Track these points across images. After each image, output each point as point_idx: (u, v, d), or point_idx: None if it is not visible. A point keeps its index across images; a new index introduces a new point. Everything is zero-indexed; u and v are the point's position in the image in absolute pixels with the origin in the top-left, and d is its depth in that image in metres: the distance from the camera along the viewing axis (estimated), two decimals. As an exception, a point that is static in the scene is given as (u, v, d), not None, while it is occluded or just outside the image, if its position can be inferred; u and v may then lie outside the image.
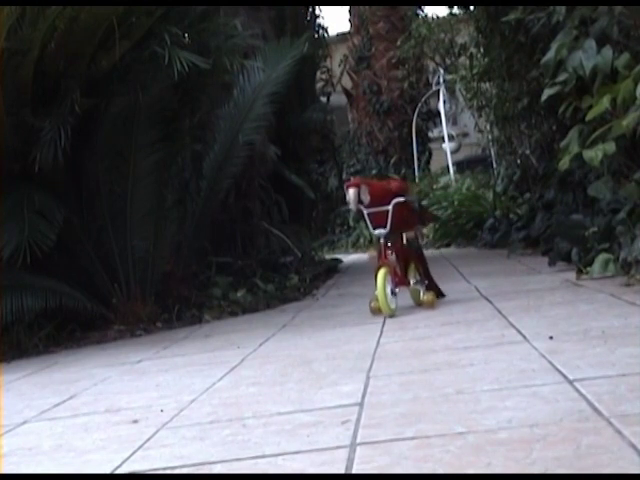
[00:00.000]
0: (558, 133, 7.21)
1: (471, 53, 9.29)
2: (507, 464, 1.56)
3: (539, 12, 5.47)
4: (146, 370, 3.67)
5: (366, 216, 4.38)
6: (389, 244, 4.35)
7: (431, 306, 4.37)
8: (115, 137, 5.60)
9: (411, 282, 4.50)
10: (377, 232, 4.35)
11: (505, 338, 3.05)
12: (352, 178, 4.68)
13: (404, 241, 4.51)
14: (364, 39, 18.28)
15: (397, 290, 4.30)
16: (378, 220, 4.35)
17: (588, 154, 4.57)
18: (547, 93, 5.09)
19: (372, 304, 4.31)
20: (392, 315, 4.18)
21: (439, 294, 4.67)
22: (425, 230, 4.65)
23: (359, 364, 2.93)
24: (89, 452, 2.20)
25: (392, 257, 4.37)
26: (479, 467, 1.57)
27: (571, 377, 2.22)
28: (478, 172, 13.28)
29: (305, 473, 1.71)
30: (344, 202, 4.51)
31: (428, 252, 11.09)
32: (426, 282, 4.58)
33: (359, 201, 4.29)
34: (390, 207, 4.31)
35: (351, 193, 4.29)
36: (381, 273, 4.18)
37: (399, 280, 4.35)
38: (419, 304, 4.48)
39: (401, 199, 4.34)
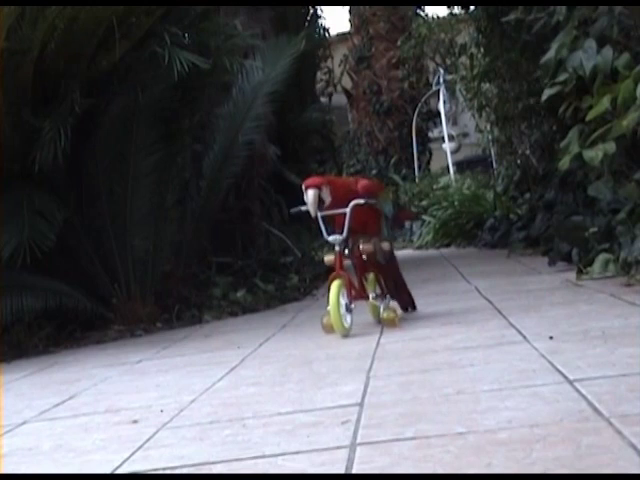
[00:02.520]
0: (558, 133, 7.21)
1: (471, 53, 9.29)
2: (507, 464, 1.56)
3: (539, 12, 5.47)
4: (146, 370, 3.67)
5: (320, 219, 3.77)
6: (346, 252, 3.81)
7: (392, 324, 3.80)
8: (115, 137, 5.60)
9: (370, 296, 3.95)
10: (332, 238, 3.77)
11: (505, 338, 3.05)
12: (312, 177, 3.93)
13: (363, 255, 3.89)
14: (364, 39, 18.28)
15: (353, 306, 3.75)
16: (336, 224, 3.84)
17: (588, 154, 4.57)
18: (547, 93, 5.09)
19: (324, 320, 3.77)
20: (346, 334, 3.68)
21: (408, 306, 4.24)
22: (386, 245, 3.99)
23: (359, 364, 2.92)
24: (89, 452, 2.20)
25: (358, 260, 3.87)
26: (479, 467, 1.57)
27: (571, 377, 2.22)
28: (478, 172, 13.28)
29: (305, 473, 1.71)
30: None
31: (428, 252, 11.15)
32: (388, 296, 4.03)
33: (319, 203, 3.70)
34: (348, 209, 3.74)
35: (310, 195, 3.68)
36: (334, 286, 3.67)
37: (356, 294, 3.83)
38: (379, 321, 3.94)
39: (361, 201, 3.76)
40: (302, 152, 10.13)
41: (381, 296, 4.00)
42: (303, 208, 3.80)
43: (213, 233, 6.80)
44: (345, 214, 3.74)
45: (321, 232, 3.80)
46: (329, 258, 3.80)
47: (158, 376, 3.42)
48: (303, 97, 10.49)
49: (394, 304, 4.07)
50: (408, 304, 4.26)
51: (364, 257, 3.90)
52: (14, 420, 2.81)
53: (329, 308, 3.64)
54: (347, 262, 3.89)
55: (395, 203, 4.31)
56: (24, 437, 2.53)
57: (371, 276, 4.03)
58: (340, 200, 3.75)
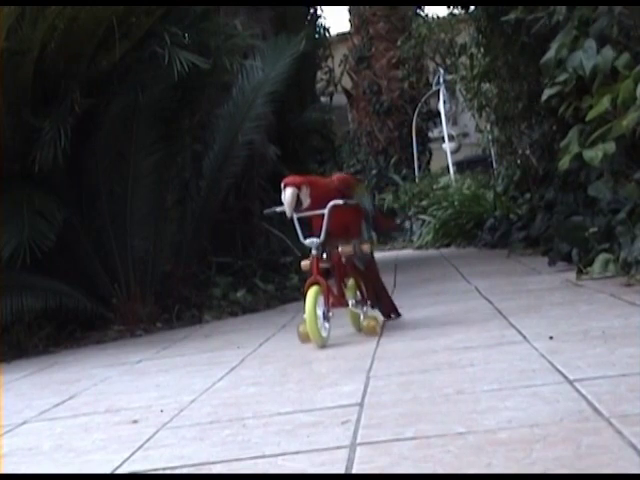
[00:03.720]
0: (558, 133, 7.20)
1: (471, 53, 9.29)
2: (507, 464, 1.56)
3: (539, 12, 5.47)
4: (146, 370, 3.67)
5: (295, 221, 3.54)
6: (324, 256, 3.57)
7: (372, 333, 3.59)
8: (115, 137, 5.60)
9: (349, 303, 3.71)
10: (308, 242, 3.54)
11: (505, 338, 3.05)
12: (292, 176, 3.66)
13: (342, 258, 3.67)
14: (364, 39, 18.28)
15: (331, 314, 3.53)
16: (314, 227, 3.60)
17: (588, 154, 4.57)
18: (547, 93, 5.09)
19: (300, 328, 3.56)
20: (323, 345, 3.44)
21: (391, 313, 4.04)
22: (366, 247, 3.72)
23: (359, 364, 2.92)
24: (89, 452, 2.20)
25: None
26: (479, 467, 1.57)
27: (571, 377, 2.22)
28: (478, 172, 13.28)
29: (305, 473, 1.71)
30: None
31: (428, 252, 11.15)
32: (369, 303, 3.82)
33: (297, 205, 3.46)
34: (326, 211, 3.51)
35: (288, 194, 3.43)
36: (311, 293, 3.43)
37: (335, 300, 3.61)
38: (359, 330, 3.74)
39: (340, 201, 3.52)
40: (302, 152, 10.11)
41: (362, 303, 3.77)
42: (278, 209, 3.59)
43: (213, 233, 6.80)
44: (323, 215, 3.51)
45: (297, 235, 3.57)
46: (305, 263, 3.56)
47: (158, 376, 3.42)
48: (303, 97, 10.47)
49: (375, 312, 3.86)
50: (391, 311, 4.05)
51: (343, 260, 3.68)
52: (14, 420, 2.81)
53: (305, 316, 3.41)
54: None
55: (374, 205, 4.00)
56: (24, 437, 2.53)
57: (351, 282, 3.79)
58: (319, 201, 3.52)
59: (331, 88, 16.37)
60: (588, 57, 4.71)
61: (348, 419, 2.11)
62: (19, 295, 4.95)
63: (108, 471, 1.96)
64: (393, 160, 17.48)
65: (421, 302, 4.77)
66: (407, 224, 14.25)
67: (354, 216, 3.73)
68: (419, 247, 12.13)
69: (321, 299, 3.48)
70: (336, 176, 3.81)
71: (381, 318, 3.92)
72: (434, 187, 13.52)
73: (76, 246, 5.50)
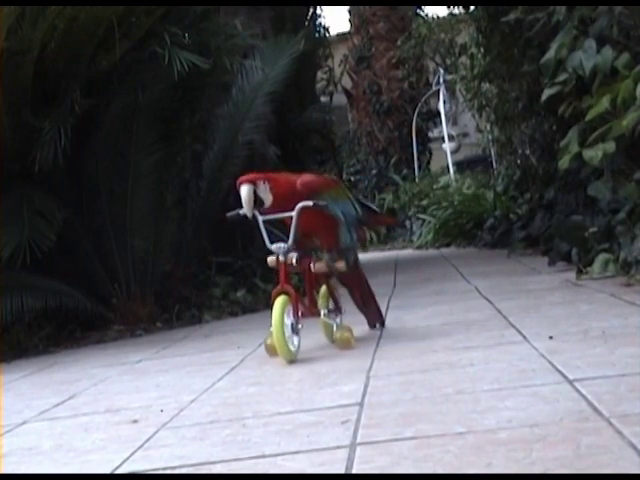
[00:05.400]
0: (558, 133, 7.20)
1: (471, 53, 9.29)
2: (507, 464, 1.56)
3: (539, 12, 5.47)
4: (146, 370, 3.67)
5: (261, 224, 3.23)
6: (293, 263, 3.28)
7: (347, 346, 3.32)
8: (115, 137, 5.60)
9: (321, 313, 3.44)
10: (275, 247, 3.24)
11: (505, 338, 3.05)
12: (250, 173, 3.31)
13: (312, 268, 3.39)
14: (364, 39, 18.27)
15: (300, 326, 3.24)
16: (288, 227, 3.28)
17: (588, 154, 4.57)
18: (547, 93, 5.09)
19: (268, 341, 3.31)
20: (291, 360, 3.16)
21: (376, 323, 3.81)
22: (341, 265, 3.40)
23: (359, 364, 2.92)
24: (89, 452, 2.20)
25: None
26: (479, 467, 1.57)
27: (571, 377, 2.22)
28: (478, 172, 13.28)
29: (305, 473, 1.71)
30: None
31: (428, 252, 11.15)
32: (344, 311, 3.59)
33: (256, 203, 3.18)
34: (295, 213, 3.20)
35: (244, 192, 3.16)
36: (278, 303, 3.14)
37: (305, 310, 3.34)
38: (332, 342, 3.46)
39: (309, 203, 3.20)
40: (302, 152, 10.11)
41: (335, 312, 3.53)
42: (242, 211, 3.25)
43: (213, 233, 6.79)
44: (290, 219, 3.21)
45: (262, 238, 3.25)
46: (271, 259, 3.29)
47: (158, 376, 3.42)
48: (303, 97, 10.48)
49: (347, 322, 3.56)
50: (376, 320, 3.80)
51: (313, 268, 3.42)
52: (14, 420, 2.81)
53: (271, 329, 3.13)
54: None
55: (364, 204, 3.67)
56: (24, 437, 2.54)
57: (323, 289, 3.54)
58: (284, 200, 3.21)
59: (331, 88, 16.36)
60: (588, 57, 4.71)
61: (348, 419, 2.11)
62: (19, 295, 4.95)
63: (108, 471, 1.97)
64: (393, 160, 17.48)
65: (421, 302, 4.77)
66: (407, 224, 14.26)
67: (327, 219, 3.36)
68: (419, 247, 12.13)
69: (289, 309, 3.19)
70: (301, 178, 3.32)
71: (365, 328, 3.73)
72: (434, 187, 13.52)
73: (76, 246, 5.50)
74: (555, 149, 6.87)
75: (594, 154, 4.52)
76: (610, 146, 4.47)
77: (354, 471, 1.68)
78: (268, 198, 3.18)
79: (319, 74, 13.86)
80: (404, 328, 3.78)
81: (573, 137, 4.87)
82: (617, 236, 4.68)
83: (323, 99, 13.78)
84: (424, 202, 12.98)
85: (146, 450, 2.13)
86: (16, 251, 4.78)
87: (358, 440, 1.91)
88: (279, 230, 3.39)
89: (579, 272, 4.73)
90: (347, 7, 18.68)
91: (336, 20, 25.24)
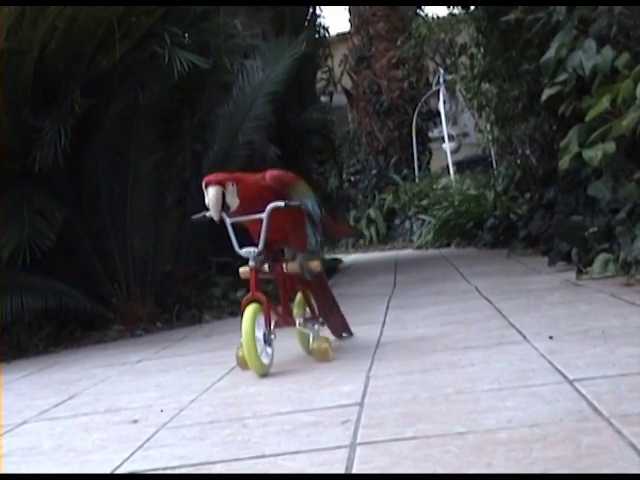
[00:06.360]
0: (558, 133, 7.21)
1: (471, 53, 9.29)
2: (507, 464, 1.56)
3: (539, 12, 5.48)
4: (146, 370, 3.67)
5: (229, 227, 3.05)
6: (266, 268, 3.11)
7: (324, 357, 3.12)
8: (115, 137, 5.60)
9: (297, 322, 3.23)
10: (244, 251, 3.04)
11: (505, 338, 3.05)
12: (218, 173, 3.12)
13: (284, 269, 3.19)
14: (364, 39, 18.28)
15: (273, 336, 3.03)
16: (257, 231, 3.06)
17: (588, 154, 4.58)
18: (547, 93, 5.10)
19: (239, 352, 3.05)
20: (264, 374, 2.94)
21: (343, 332, 3.60)
22: (316, 264, 3.19)
23: (359, 364, 2.92)
24: (89, 452, 2.20)
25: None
26: (479, 467, 1.57)
27: (571, 377, 2.22)
28: (478, 172, 13.29)
29: (305, 473, 1.71)
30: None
31: (428, 252, 11.15)
32: (321, 320, 3.36)
33: (223, 206, 2.97)
34: (265, 215, 3.00)
35: (212, 194, 2.94)
36: (249, 312, 2.92)
37: (280, 319, 3.12)
38: (309, 353, 3.24)
39: (280, 203, 3.02)
40: (302, 152, 10.11)
41: (312, 321, 3.31)
42: (208, 214, 3.04)
43: (213, 233, 6.80)
44: (261, 220, 3.01)
45: (231, 243, 3.08)
46: (244, 270, 3.10)
47: (158, 376, 3.42)
48: (303, 97, 10.48)
49: (326, 331, 3.42)
50: (342, 329, 3.60)
51: (298, 269, 3.20)
52: (14, 420, 2.81)
53: (242, 340, 2.92)
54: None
55: (321, 206, 3.36)
56: (24, 437, 2.54)
57: (299, 297, 3.34)
58: (251, 202, 3.02)
59: (331, 88, 16.36)
60: (588, 57, 4.71)
61: (348, 419, 2.11)
62: (19, 295, 4.95)
63: (108, 471, 1.97)
64: (393, 160, 17.48)
65: (421, 302, 4.78)
66: (407, 224, 14.26)
67: (297, 220, 3.19)
68: (419, 247, 12.14)
69: (261, 319, 2.97)
70: (268, 173, 3.16)
71: (332, 338, 3.50)
72: (434, 187, 13.53)
73: (76, 246, 5.50)
74: (555, 149, 6.87)
75: (594, 154, 4.53)
76: (610, 146, 4.48)
77: (354, 471, 1.68)
78: (235, 201, 2.98)
79: (319, 74, 13.86)
80: (404, 328, 3.78)
81: (573, 137, 4.87)
82: (617, 236, 4.68)
83: (323, 99, 13.77)
84: (424, 202, 12.99)
85: (146, 450, 2.13)
86: (16, 251, 4.78)
87: (358, 440, 1.91)
88: (241, 236, 3.17)
89: (579, 272, 4.73)
90: (347, 7, 18.70)
91: (336, 20, 25.24)
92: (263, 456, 1.89)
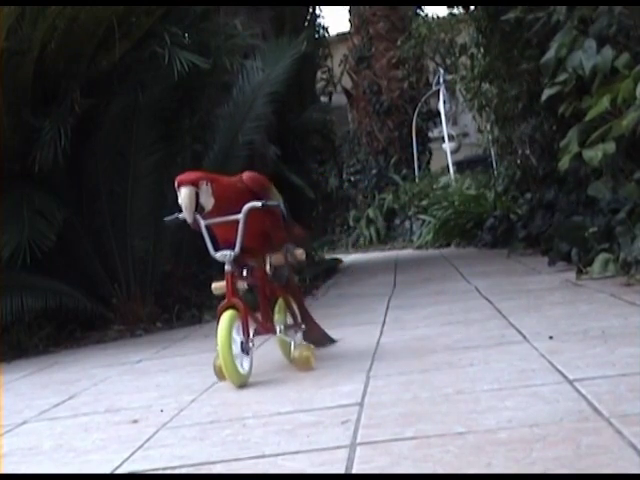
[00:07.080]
0: (558, 133, 7.21)
1: (471, 53, 9.29)
2: (507, 464, 1.56)
3: (539, 11, 5.48)
4: (146, 370, 3.67)
5: (204, 230, 2.87)
6: (244, 273, 2.95)
7: (306, 366, 2.96)
8: (115, 137, 5.60)
9: (277, 329, 3.05)
10: (220, 255, 2.85)
11: (505, 338, 3.05)
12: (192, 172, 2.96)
13: (268, 269, 3.04)
14: (364, 39, 18.29)
15: (252, 345, 2.87)
16: (225, 235, 2.91)
17: (588, 154, 4.58)
18: (547, 93, 5.10)
19: (217, 362, 2.86)
20: (242, 384, 2.78)
21: (326, 341, 3.41)
22: (300, 252, 3.06)
23: (359, 364, 2.92)
24: (89, 452, 2.20)
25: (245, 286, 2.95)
26: (479, 467, 1.57)
27: (571, 377, 2.22)
28: (478, 172, 13.29)
29: (305, 473, 1.71)
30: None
31: (428, 252, 11.15)
32: (302, 327, 3.21)
33: (197, 207, 2.80)
34: (242, 216, 2.85)
35: (185, 195, 2.78)
36: (225, 319, 2.75)
37: (259, 327, 2.97)
38: (290, 361, 3.06)
39: (258, 203, 2.88)
40: (302, 152, 10.11)
41: (293, 328, 3.17)
42: (181, 216, 2.88)
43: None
44: (236, 222, 2.85)
45: (206, 246, 2.90)
46: (218, 286, 2.91)
47: (158, 376, 3.42)
48: (303, 97, 10.48)
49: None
50: (322, 337, 3.41)
51: (269, 273, 3.04)
52: (14, 420, 2.81)
53: (218, 349, 2.74)
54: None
55: (284, 207, 3.16)
56: (24, 437, 2.53)
57: (280, 302, 3.17)
58: (226, 203, 2.87)
59: (331, 88, 16.37)
60: (588, 57, 4.71)
61: (348, 419, 2.11)
62: (19, 295, 4.95)
63: (108, 471, 1.97)
64: (393, 160, 17.49)
65: (421, 302, 4.78)
66: (407, 224, 14.26)
67: (275, 221, 3.07)
68: (419, 247, 12.14)
69: (238, 326, 2.81)
70: (246, 175, 3.02)
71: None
72: (434, 187, 13.53)
73: (76, 246, 5.50)
74: (555, 149, 6.87)
75: (594, 154, 4.53)
76: (610, 146, 4.48)
77: (354, 471, 1.68)
78: (209, 201, 2.82)
79: (319, 74, 13.86)
80: (404, 328, 3.78)
81: (573, 137, 4.87)
82: (617, 236, 4.68)
83: (323, 99, 13.77)
84: (424, 202, 12.99)
85: (146, 450, 2.13)
86: (16, 251, 4.78)
87: (358, 440, 1.91)
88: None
89: (579, 272, 4.73)
90: (347, 7, 18.70)
91: (336, 20, 25.24)
92: (263, 456, 1.89)
